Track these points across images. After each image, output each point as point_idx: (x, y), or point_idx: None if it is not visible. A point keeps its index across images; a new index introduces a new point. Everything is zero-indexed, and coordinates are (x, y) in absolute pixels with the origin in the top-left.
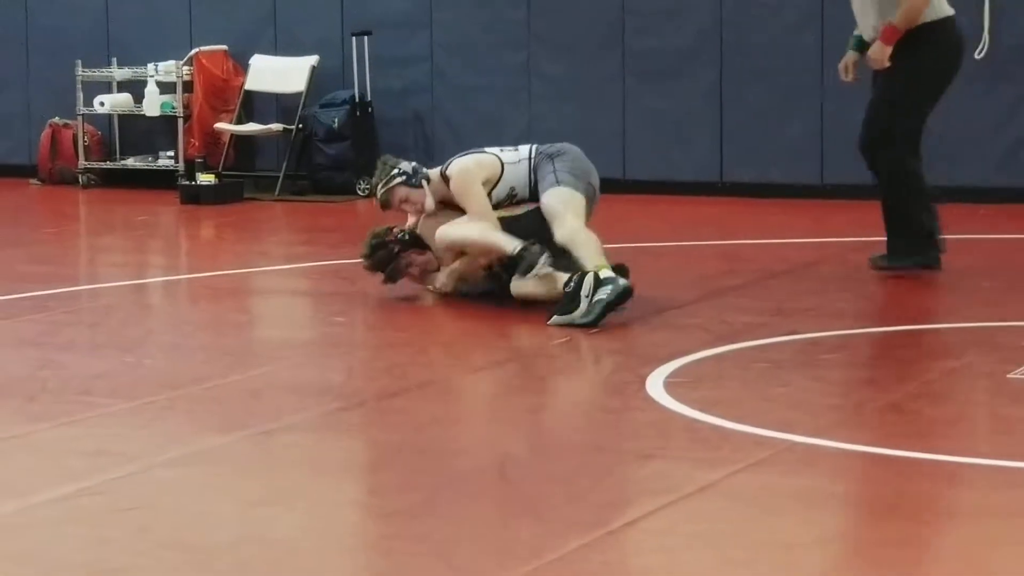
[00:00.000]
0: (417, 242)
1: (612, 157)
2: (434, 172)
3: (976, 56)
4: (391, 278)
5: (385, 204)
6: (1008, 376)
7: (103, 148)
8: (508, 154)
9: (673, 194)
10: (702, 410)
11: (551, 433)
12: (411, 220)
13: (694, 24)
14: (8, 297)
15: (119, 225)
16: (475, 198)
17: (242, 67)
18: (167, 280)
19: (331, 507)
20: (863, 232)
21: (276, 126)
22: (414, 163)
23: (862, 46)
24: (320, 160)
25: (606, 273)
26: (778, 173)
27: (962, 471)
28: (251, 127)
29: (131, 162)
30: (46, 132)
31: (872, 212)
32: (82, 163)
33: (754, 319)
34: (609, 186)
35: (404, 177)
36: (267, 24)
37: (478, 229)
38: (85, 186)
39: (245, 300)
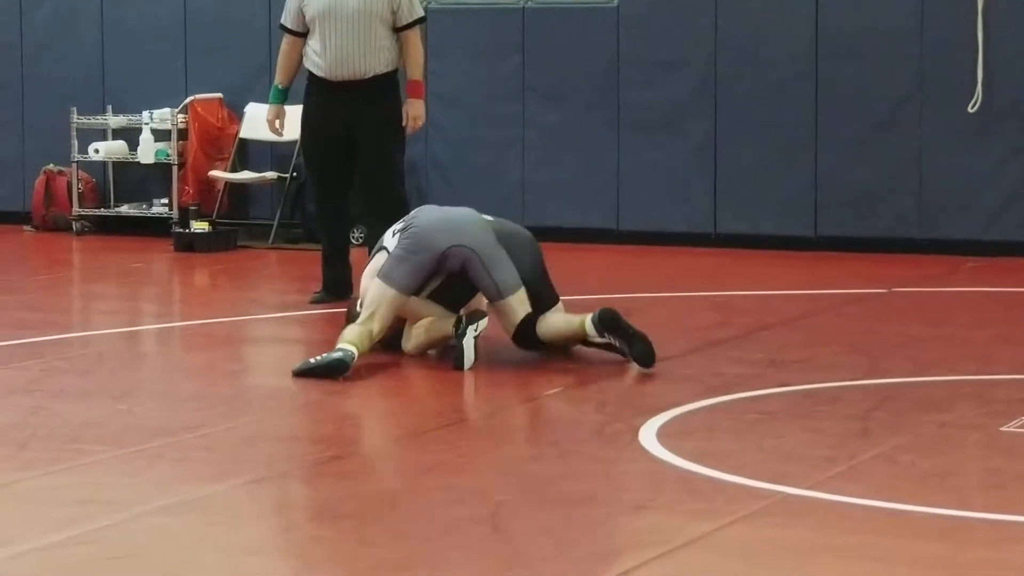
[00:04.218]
0: None
1: (606, 208)
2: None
3: (969, 110)
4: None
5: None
6: (1001, 429)
7: (97, 195)
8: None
9: (666, 245)
10: (695, 461)
11: (543, 483)
12: None
13: (689, 77)
14: (0, 344)
15: (112, 272)
16: (411, 309)
17: (237, 115)
18: (160, 328)
19: (323, 556)
20: (856, 284)
21: (270, 174)
22: None
23: (284, 98)
24: (314, 209)
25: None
26: (771, 225)
27: (955, 524)
28: (245, 175)
29: (125, 209)
30: (40, 179)
31: (866, 264)
32: (76, 210)
33: (747, 370)
34: (603, 237)
35: None
36: (262, 72)
37: (426, 331)
38: (79, 233)
39: (238, 348)
